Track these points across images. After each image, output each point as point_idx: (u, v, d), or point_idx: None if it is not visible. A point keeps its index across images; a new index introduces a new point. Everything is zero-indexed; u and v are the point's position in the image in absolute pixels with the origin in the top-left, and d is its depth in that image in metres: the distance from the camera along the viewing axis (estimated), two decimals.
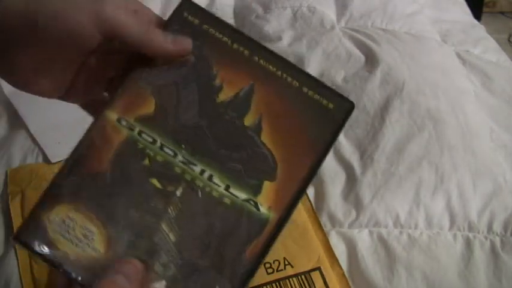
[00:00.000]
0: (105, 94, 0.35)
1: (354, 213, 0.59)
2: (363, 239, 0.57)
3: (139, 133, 0.30)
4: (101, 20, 0.30)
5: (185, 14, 0.32)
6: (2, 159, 0.65)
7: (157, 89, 0.31)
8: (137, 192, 0.29)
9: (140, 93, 0.31)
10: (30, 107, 0.71)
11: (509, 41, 2.06)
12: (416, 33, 0.88)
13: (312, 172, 0.31)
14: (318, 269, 0.53)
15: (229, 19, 0.93)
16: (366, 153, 0.65)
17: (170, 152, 0.30)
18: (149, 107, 0.31)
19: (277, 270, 0.52)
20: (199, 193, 0.30)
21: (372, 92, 0.72)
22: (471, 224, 0.58)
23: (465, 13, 1.05)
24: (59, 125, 0.68)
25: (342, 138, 0.67)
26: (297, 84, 0.31)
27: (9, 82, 0.32)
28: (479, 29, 0.98)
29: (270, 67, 0.32)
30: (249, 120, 0.31)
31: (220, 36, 0.32)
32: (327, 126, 0.31)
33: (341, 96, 0.32)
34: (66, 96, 0.33)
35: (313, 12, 0.90)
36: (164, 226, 0.29)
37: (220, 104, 0.31)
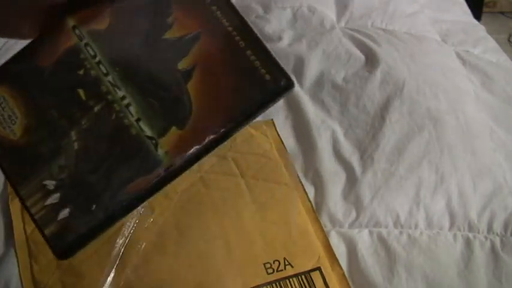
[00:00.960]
0: None
1: (354, 213, 0.59)
2: (363, 239, 0.57)
3: (86, 45, 0.32)
4: None
5: None
6: None
7: (116, 9, 0.32)
8: (63, 95, 0.32)
9: (101, 9, 0.33)
10: None
11: (509, 41, 2.06)
12: (416, 33, 0.89)
13: (223, 136, 0.30)
14: (318, 269, 0.53)
15: None
16: (366, 153, 0.65)
17: (104, 70, 0.32)
18: (103, 24, 0.32)
19: (277, 270, 0.52)
20: (113, 116, 0.31)
21: (372, 92, 0.72)
22: (471, 224, 0.58)
23: (465, 13, 1.05)
24: None
25: (341, 138, 0.67)
26: (243, 45, 0.31)
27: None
28: (479, 29, 0.98)
29: (224, 21, 0.32)
30: (182, 65, 0.31)
31: None
32: (256, 96, 0.30)
33: (282, 71, 0.30)
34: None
35: (313, 12, 0.90)
36: (73, 133, 0.31)
37: (164, 41, 0.32)
